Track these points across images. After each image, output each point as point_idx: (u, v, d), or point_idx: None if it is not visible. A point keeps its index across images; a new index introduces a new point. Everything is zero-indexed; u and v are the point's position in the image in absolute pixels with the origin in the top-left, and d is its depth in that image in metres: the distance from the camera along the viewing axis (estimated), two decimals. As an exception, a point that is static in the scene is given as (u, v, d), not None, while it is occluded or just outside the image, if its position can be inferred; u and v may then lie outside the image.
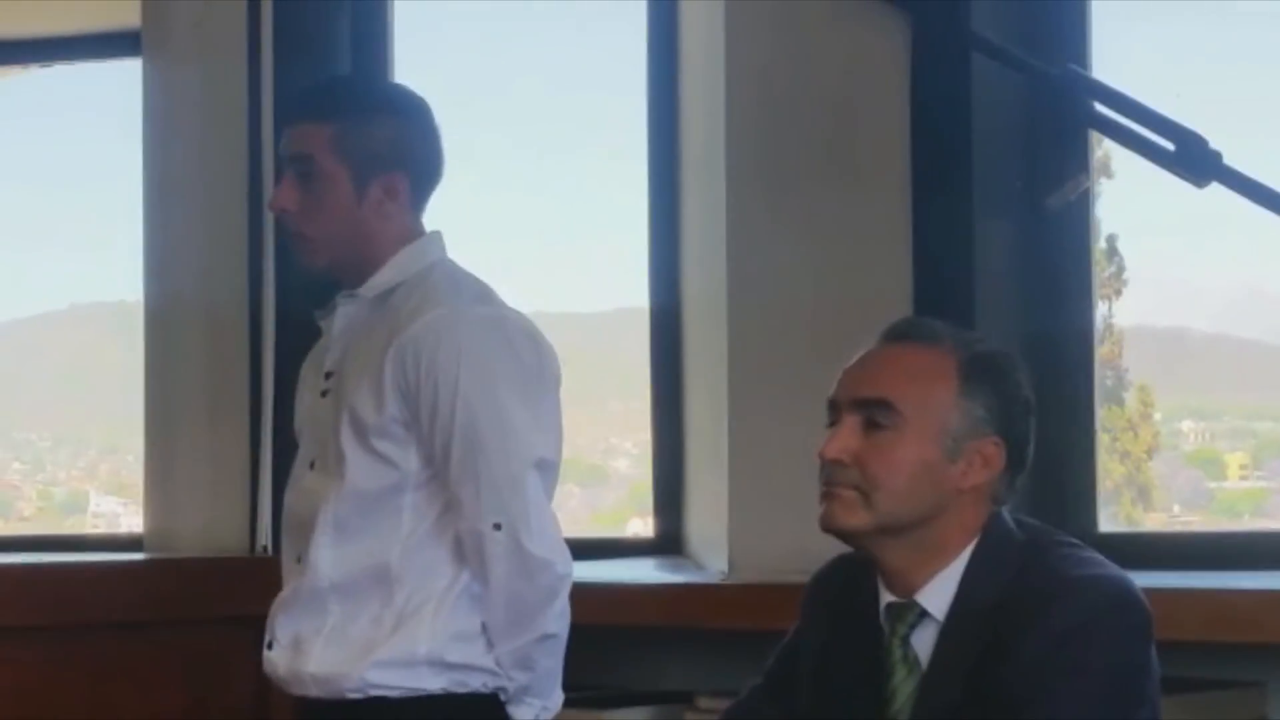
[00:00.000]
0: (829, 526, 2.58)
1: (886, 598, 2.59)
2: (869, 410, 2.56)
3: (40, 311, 5.81)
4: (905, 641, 2.57)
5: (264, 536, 4.64)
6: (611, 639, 3.92)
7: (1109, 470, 4.06)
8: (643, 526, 4.68)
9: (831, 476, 2.57)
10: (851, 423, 2.57)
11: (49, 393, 5.96)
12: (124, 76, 5.13)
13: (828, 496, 2.57)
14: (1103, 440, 4.01)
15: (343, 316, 3.22)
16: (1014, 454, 2.58)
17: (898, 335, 2.63)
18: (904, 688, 2.56)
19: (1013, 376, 2.61)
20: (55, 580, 4.38)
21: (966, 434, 2.55)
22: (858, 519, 2.56)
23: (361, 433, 3.10)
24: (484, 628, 3.09)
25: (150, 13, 4.94)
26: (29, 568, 4.48)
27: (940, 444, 2.54)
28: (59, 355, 5.93)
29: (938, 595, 2.55)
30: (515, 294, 3.24)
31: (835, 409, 2.60)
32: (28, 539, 5.34)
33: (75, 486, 5.76)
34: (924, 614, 2.56)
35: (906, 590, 2.57)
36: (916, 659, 2.56)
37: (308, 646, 3.14)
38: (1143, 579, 2.58)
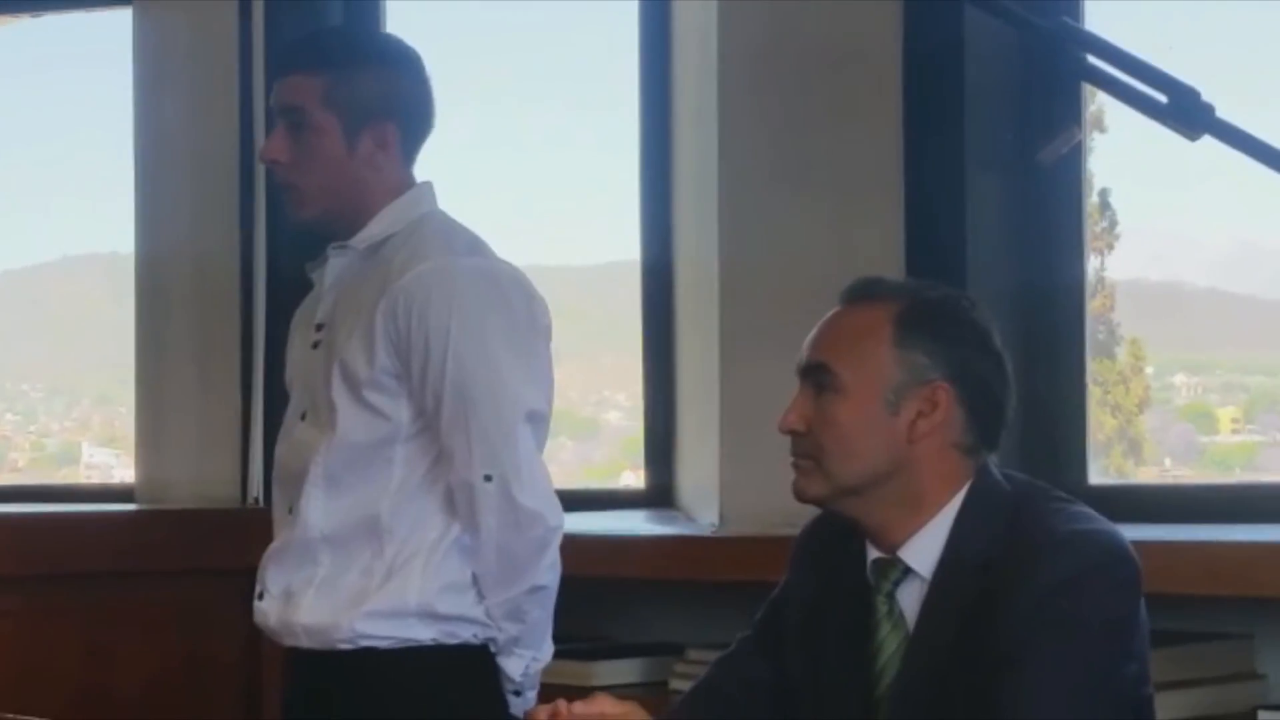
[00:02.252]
0: (798, 497, 2.61)
1: (872, 553, 2.60)
2: (814, 376, 2.58)
3: (32, 263, 5.80)
4: (890, 597, 2.57)
5: (255, 488, 4.65)
6: (602, 591, 3.93)
7: (1100, 424, 4.06)
8: (634, 479, 4.68)
9: (792, 448, 2.60)
10: (804, 391, 2.59)
11: (41, 344, 5.95)
12: (115, 26, 5.11)
13: (794, 468, 2.60)
14: (1094, 394, 4.01)
15: (334, 268, 3.22)
16: (972, 397, 2.56)
17: (846, 297, 2.64)
18: (889, 642, 2.56)
19: (961, 319, 2.59)
20: (47, 530, 4.39)
21: (908, 384, 2.54)
22: (816, 487, 2.58)
23: (353, 384, 3.10)
24: (474, 579, 3.10)
25: (141, -38, 4.93)
26: (21, 518, 4.49)
27: (880, 399, 2.54)
28: (51, 307, 5.92)
29: (922, 551, 2.56)
30: (507, 247, 3.24)
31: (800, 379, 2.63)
32: (21, 489, 5.34)
33: (68, 438, 5.76)
34: (908, 570, 2.56)
35: (889, 546, 2.57)
36: (901, 614, 2.56)
37: (298, 597, 3.15)
38: (1133, 532, 2.58)
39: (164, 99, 4.88)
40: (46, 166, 5.53)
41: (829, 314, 2.64)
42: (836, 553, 2.66)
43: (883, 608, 2.58)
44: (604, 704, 2.58)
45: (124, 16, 4.99)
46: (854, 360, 2.56)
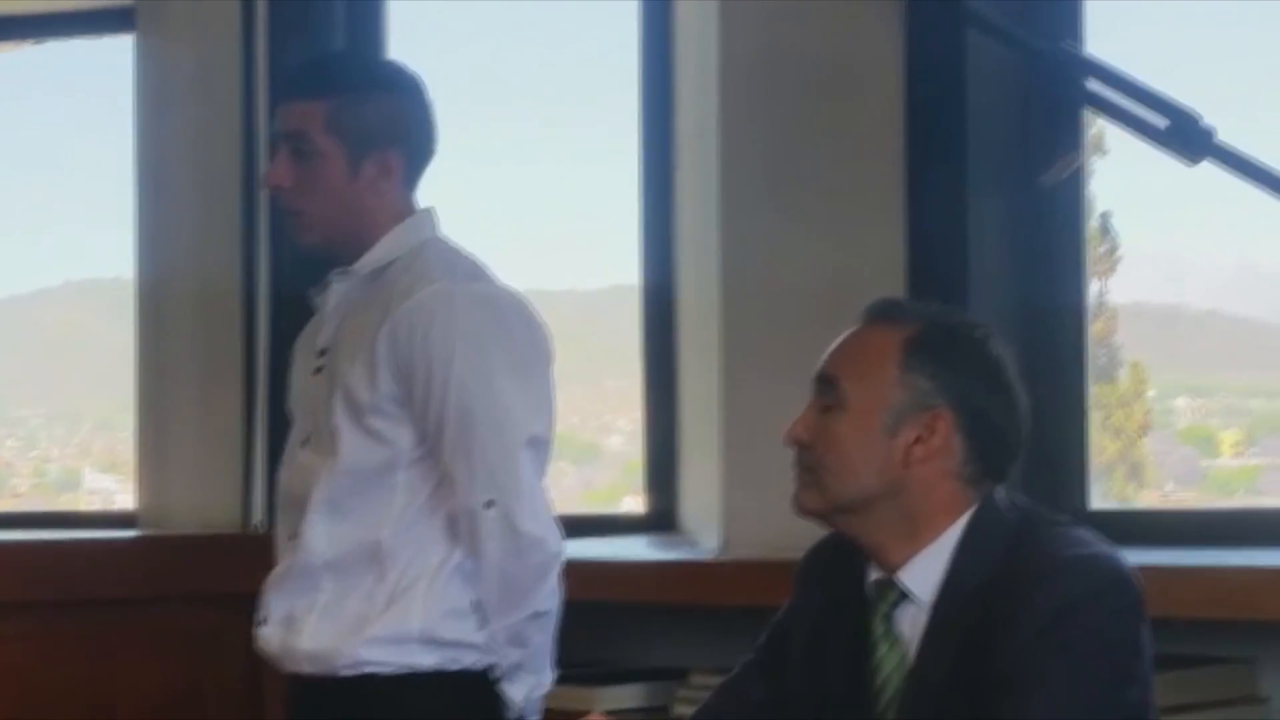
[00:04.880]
0: (794, 509, 2.61)
1: (873, 574, 2.60)
2: (822, 389, 2.59)
3: (35, 288, 5.81)
4: (888, 618, 2.57)
5: (257, 513, 4.64)
6: (605, 616, 3.93)
7: (1102, 447, 4.06)
8: (636, 504, 4.68)
9: (795, 459, 2.60)
10: (812, 403, 2.60)
11: (43, 369, 5.95)
12: (118, 53, 5.12)
13: (795, 479, 2.60)
14: (1096, 417, 4.01)
15: (336, 294, 3.22)
16: (974, 427, 2.55)
17: (865, 316, 2.64)
18: (887, 663, 2.56)
19: (972, 347, 2.58)
20: (48, 557, 4.39)
21: (909, 408, 2.54)
22: (812, 501, 2.59)
23: (355, 410, 3.10)
24: (476, 605, 3.09)
25: (144, -11, 4.94)
26: (22, 544, 4.49)
27: (879, 419, 2.54)
28: (53, 332, 5.93)
29: (920, 576, 2.55)
30: (509, 271, 3.25)
31: None
32: (22, 515, 5.35)
33: (69, 464, 5.76)
34: (905, 593, 2.56)
35: (888, 568, 2.58)
36: (898, 636, 2.56)
37: (300, 623, 3.14)
38: (1134, 556, 2.58)
39: (166, 124, 4.89)
40: (49, 192, 5.54)
41: (848, 331, 2.64)
42: (840, 571, 2.66)
43: (879, 628, 2.58)
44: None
45: (126, 43, 5.00)
46: (860, 378, 2.57)
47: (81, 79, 5.49)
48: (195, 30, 4.83)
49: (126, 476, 5.28)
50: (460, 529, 3.08)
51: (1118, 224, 4.08)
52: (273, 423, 4.51)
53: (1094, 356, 4.02)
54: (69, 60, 5.50)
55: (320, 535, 3.13)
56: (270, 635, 3.19)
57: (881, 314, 2.63)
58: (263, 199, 4.55)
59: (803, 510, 2.61)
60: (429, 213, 3.26)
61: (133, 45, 4.97)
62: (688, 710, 2.99)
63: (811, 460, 2.58)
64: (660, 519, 4.49)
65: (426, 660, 3.09)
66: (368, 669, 3.09)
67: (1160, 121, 2.98)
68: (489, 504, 3.04)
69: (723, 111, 4.10)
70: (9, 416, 5.86)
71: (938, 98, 3.87)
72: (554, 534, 3.10)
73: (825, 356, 2.62)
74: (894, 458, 2.55)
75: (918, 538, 2.56)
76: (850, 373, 2.58)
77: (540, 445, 3.12)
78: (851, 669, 2.59)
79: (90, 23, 5.32)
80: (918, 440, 2.55)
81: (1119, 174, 4.09)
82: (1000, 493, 2.59)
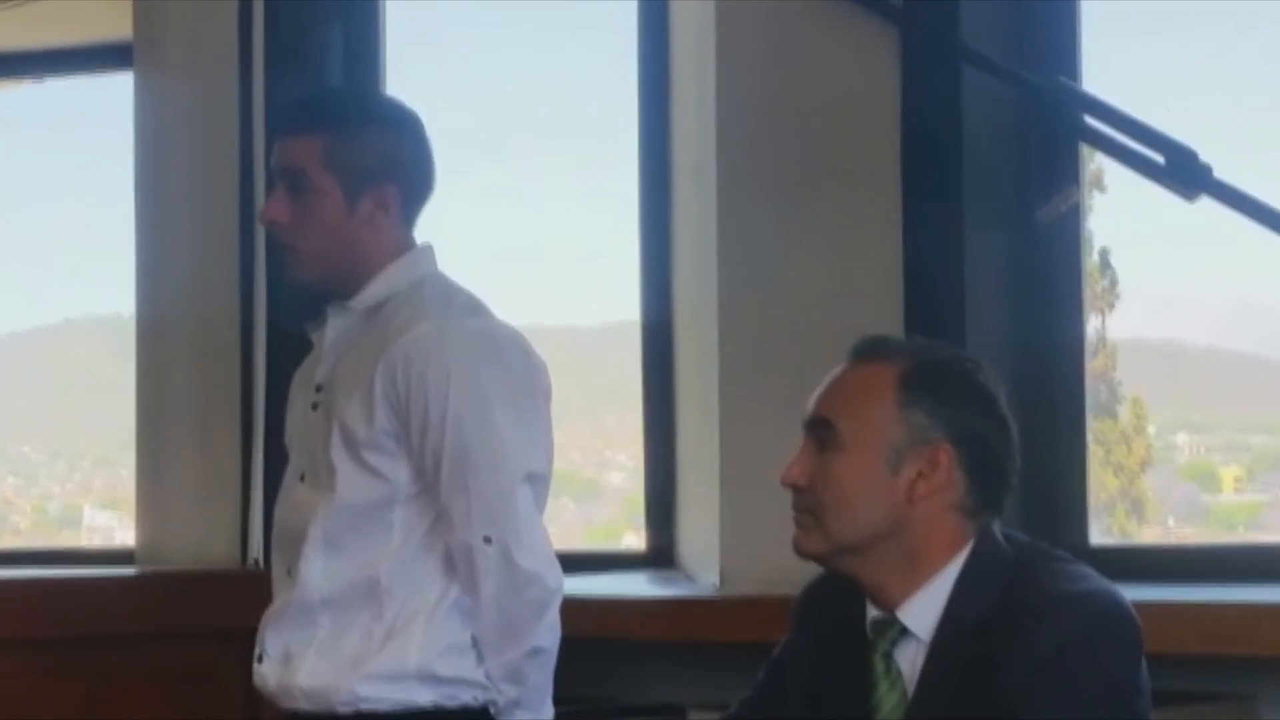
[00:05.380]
0: (796, 552, 2.60)
1: (872, 613, 2.59)
2: (817, 431, 2.58)
3: (34, 325, 5.82)
4: (887, 656, 2.57)
5: (255, 549, 4.64)
6: (604, 652, 3.92)
7: (1103, 484, 4.06)
8: (637, 540, 4.67)
9: (793, 502, 2.59)
10: (806, 445, 2.59)
11: (43, 407, 5.95)
12: (116, 90, 5.13)
13: (795, 523, 2.59)
14: (1096, 453, 4.01)
15: (333, 329, 3.22)
16: (974, 460, 2.56)
17: (852, 355, 2.64)
18: (886, 701, 2.55)
19: (965, 380, 2.59)
20: (48, 594, 4.38)
21: (909, 443, 2.54)
22: (814, 544, 2.57)
23: (352, 446, 3.10)
24: (474, 641, 3.09)
25: (142, 26, 4.94)
26: (22, 581, 4.48)
27: (881, 456, 2.54)
28: (53, 369, 5.93)
29: (920, 612, 2.55)
30: (508, 308, 3.24)
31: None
32: (22, 553, 5.34)
33: (69, 500, 5.76)
34: (905, 630, 2.55)
35: (887, 605, 2.57)
36: (899, 673, 2.56)
37: (298, 660, 3.13)
38: (1134, 592, 2.57)
39: (164, 161, 4.89)
40: (48, 229, 5.55)
41: (835, 370, 2.64)
42: (836, 612, 2.65)
43: (879, 666, 2.57)
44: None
45: (125, 80, 5.01)
46: (856, 417, 2.56)
47: (81, 116, 5.50)
48: (193, 66, 4.84)
49: (127, 513, 5.27)
50: (458, 565, 3.07)
51: (1117, 260, 4.08)
52: (271, 459, 4.51)
53: (1094, 392, 4.02)
54: (69, 97, 5.51)
55: (317, 571, 3.12)
56: (268, 672, 3.18)
57: (869, 352, 2.62)
58: (260, 234, 4.55)
59: (804, 553, 2.59)
60: (427, 249, 3.26)
61: (132, 82, 4.98)
62: (686, 747, 2.98)
63: (811, 503, 2.57)
64: (660, 555, 4.49)
65: (424, 697, 3.08)
66: (365, 706, 3.08)
67: (1158, 157, 2.99)
68: (487, 539, 3.03)
69: (720, 147, 4.10)
70: (9, 453, 5.86)
71: (934, 133, 3.87)
72: (553, 570, 3.09)
73: (815, 398, 2.61)
74: (898, 495, 2.54)
75: (917, 574, 2.56)
76: (846, 412, 2.57)
77: (538, 481, 3.11)
78: (851, 708, 2.58)
79: (89, 60, 5.34)
80: (919, 476, 2.54)
81: (1118, 210, 4.09)
82: (996, 526, 2.59)
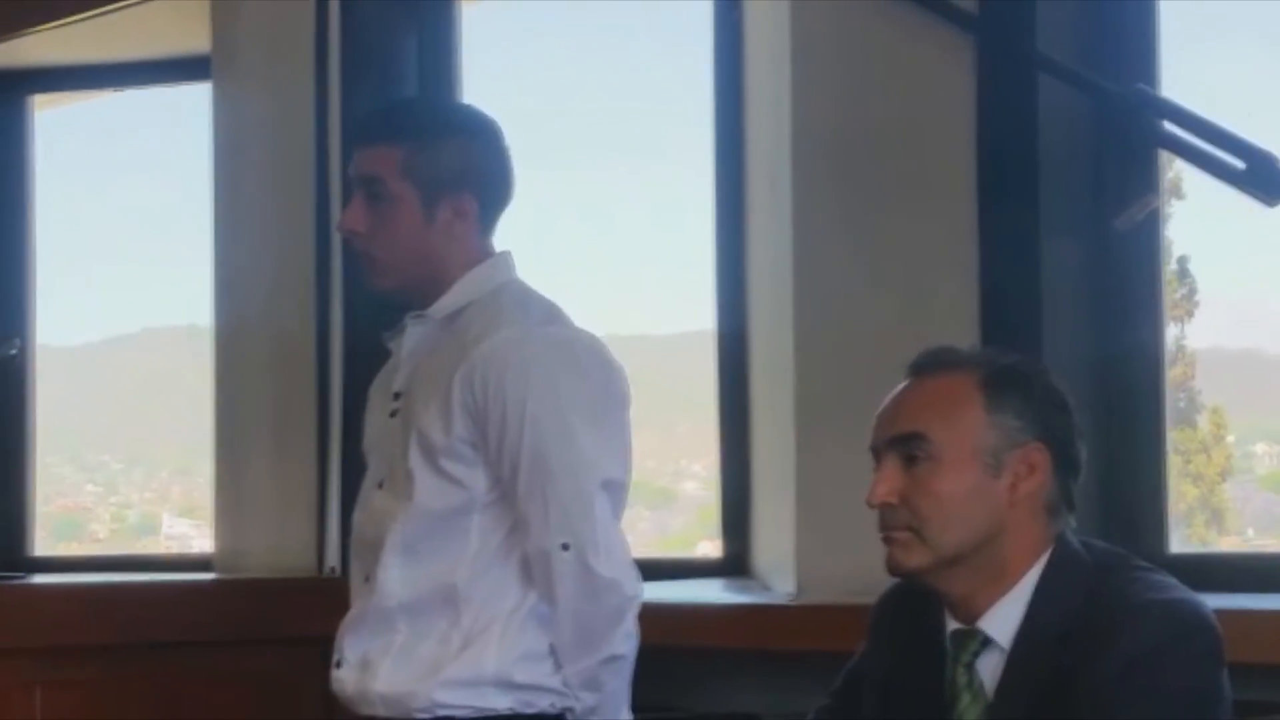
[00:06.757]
0: (894, 571, 2.59)
1: (951, 624, 2.58)
2: (904, 446, 2.57)
3: (112, 335, 5.86)
4: (970, 668, 2.56)
5: (332, 557, 4.65)
6: (680, 660, 3.92)
7: (1182, 493, 4.03)
8: (712, 549, 4.67)
9: (884, 520, 2.59)
10: (892, 463, 2.58)
11: (121, 415, 6.00)
12: (194, 100, 5.17)
13: (887, 541, 2.59)
14: (1175, 463, 3.98)
15: (411, 337, 3.23)
16: (1060, 455, 2.58)
17: (919, 369, 2.64)
18: (969, 713, 2.54)
19: (1039, 380, 2.62)
20: (126, 600, 4.41)
21: (1004, 446, 2.55)
22: (917, 558, 2.57)
23: (430, 453, 3.11)
24: (551, 648, 3.09)
25: (219, 37, 4.98)
26: (101, 587, 4.52)
27: (980, 462, 2.55)
28: (131, 378, 5.97)
29: (1002, 621, 2.54)
30: (584, 316, 3.24)
31: (876, 454, 2.62)
32: (102, 559, 5.38)
33: (148, 509, 5.79)
34: (988, 640, 2.54)
35: (970, 617, 2.56)
36: (981, 685, 2.55)
37: (375, 666, 3.15)
38: (1214, 601, 2.56)
39: (242, 171, 4.92)
40: (127, 239, 5.59)
41: (902, 387, 2.63)
42: (913, 623, 2.65)
43: (962, 679, 2.56)
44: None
45: (203, 90, 5.05)
46: (948, 427, 2.56)
47: (159, 126, 5.54)
48: (269, 77, 4.87)
49: (204, 521, 5.30)
50: (535, 572, 3.08)
51: (1195, 268, 4.06)
52: (347, 466, 4.53)
53: (1173, 401, 3.99)
54: (147, 108, 5.55)
55: (395, 578, 3.13)
56: (345, 678, 3.19)
57: (937, 364, 2.63)
58: (336, 243, 4.57)
59: (905, 570, 2.58)
60: (506, 256, 3.26)
61: (210, 92, 5.01)
62: (762, 756, 2.98)
63: (906, 518, 2.56)
64: (735, 563, 4.48)
65: (501, 703, 3.09)
66: (442, 712, 3.09)
67: (1238, 163, 2.96)
68: (564, 546, 3.04)
69: (795, 157, 4.09)
70: (89, 462, 5.90)
71: (1010, 142, 3.85)
72: (630, 577, 3.09)
73: (890, 416, 2.60)
74: (1000, 499, 2.55)
75: (1003, 583, 2.56)
76: (937, 423, 2.56)
77: (616, 488, 3.12)
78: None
79: (168, 71, 5.38)
80: (1018, 478, 2.55)
81: (1197, 218, 4.06)
82: (1071, 532, 2.59)
